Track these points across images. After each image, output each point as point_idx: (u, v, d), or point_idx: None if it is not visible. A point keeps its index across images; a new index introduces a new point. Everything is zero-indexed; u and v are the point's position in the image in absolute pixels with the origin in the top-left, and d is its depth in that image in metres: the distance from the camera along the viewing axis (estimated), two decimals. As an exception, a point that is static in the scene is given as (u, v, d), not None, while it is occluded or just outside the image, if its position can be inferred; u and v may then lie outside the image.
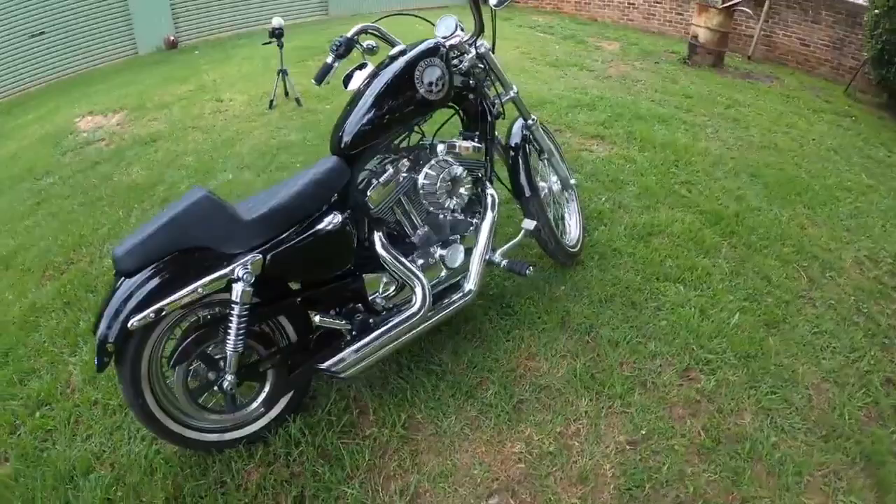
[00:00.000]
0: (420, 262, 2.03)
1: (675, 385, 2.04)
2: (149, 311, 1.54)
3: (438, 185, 1.96)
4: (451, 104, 2.11)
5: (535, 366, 2.15)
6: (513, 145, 2.41)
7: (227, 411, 1.86)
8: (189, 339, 1.71)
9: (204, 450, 1.86)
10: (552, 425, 1.93)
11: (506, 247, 2.22)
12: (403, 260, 1.91)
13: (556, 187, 2.62)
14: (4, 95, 7.56)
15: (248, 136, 4.54)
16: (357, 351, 1.85)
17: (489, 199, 2.14)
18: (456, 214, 2.10)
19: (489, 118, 2.19)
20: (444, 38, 2.06)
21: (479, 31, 2.07)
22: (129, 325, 1.53)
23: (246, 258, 1.66)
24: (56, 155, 4.72)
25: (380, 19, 2.17)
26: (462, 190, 2.04)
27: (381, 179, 1.91)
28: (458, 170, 2.01)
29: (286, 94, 5.09)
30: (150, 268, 1.60)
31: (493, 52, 2.20)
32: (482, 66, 2.15)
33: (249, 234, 1.70)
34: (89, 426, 2.07)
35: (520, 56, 6.49)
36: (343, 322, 1.91)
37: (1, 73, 7.55)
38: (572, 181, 2.71)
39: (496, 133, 2.40)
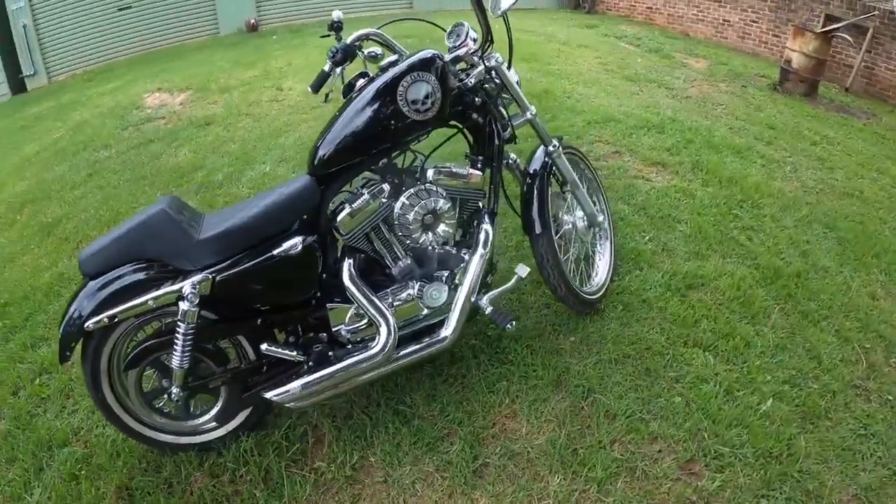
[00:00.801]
0: (400, 296, 1.85)
1: (671, 478, 1.72)
2: (103, 316, 1.60)
3: (412, 217, 1.77)
4: (454, 123, 1.91)
5: (513, 426, 1.91)
6: (530, 172, 2.16)
7: (179, 418, 1.86)
8: (142, 346, 1.71)
9: (158, 448, 1.88)
10: (511, 500, 1.68)
11: (496, 291, 1.94)
12: (370, 295, 1.74)
13: (581, 224, 2.33)
14: (90, 65, 8.08)
15: (296, 128, 4.52)
16: (306, 386, 1.71)
17: (482, 235, 1.88)
18: (448, 248, 1.90)
19: (497, 141, 1.94)
20: (452, 47, 1.87)
21: (488, 40, 1.86)
22: (85, 326, 1.60)
23: (195, 277, 1.61)
24: (118, 128, 4.92)
25: (383, 25, 2.01)
26: (442, 226, 1.83)
27: (354, 205, 1.75)
28: (441, 202, 1.79)
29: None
30: (111, 273, 1.65)
31: (510, 66, 1.97)
32: (495, 81, 1.93)
33: (201, 253, 1.65)
34: (77, 401, 2.19)
35: (596, 66, 6.11)
36: (294, 353, 1.78)
37: (89, 44, 8.07)
38: (600, 218, 2.42)
39: (511, 158, 2.17)
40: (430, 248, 1.87)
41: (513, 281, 1.92)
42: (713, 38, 8.29)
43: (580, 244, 2.39)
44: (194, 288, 1.60)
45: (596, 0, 10.11)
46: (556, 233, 2.18)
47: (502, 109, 2.00)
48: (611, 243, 2.52)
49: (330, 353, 1.80)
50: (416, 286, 1.84)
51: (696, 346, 2.22)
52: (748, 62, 7.04)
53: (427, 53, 1.77)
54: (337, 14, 4.95)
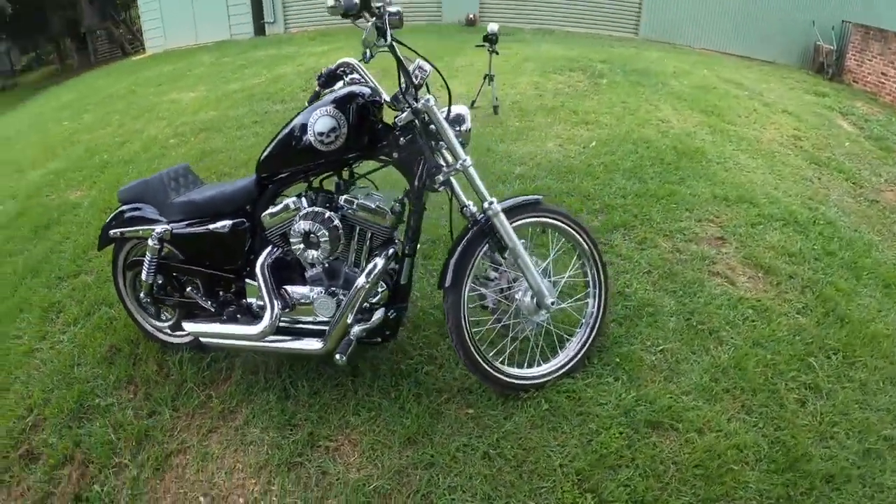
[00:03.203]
0: (301, 296, 2.07)
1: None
2: (117, 231, 2.34)
3: (295, 231, 1.96)
4: (384, 157, 1.97)
5: (347, 451, 1.95)
6: (466, 226, 2.04)
7: (152, 316, 2.48)
8: (134, 259, 2.41)
9: (140, 329, 2.57)
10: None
11: (366, 326, 1.99)
12: (270, 283, 2.01)
13: (526, 299, 2.10)
14: (321, 26, 9.29)
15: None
16: (205, 332, 2.19)
17: (369, 267, 1.94)
18: (355, 270, 2.03)
19: (416, 184, 1.94)
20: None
21: (409, 84, 1.85)
22: (110, 233, 2.35)
23: (160, 227, 2.16)
24: (301, 88, 5.71)
25: (362, 60, 2.03)
26: (324, 248, 1.94)
27: (274, 209, 2.03)
28: (323, 228, 1.91)
29: (496, 102, 5.14)
30: (130, 206, 2.35)
31: (449, 108, 1.94)
32: (427, 125, 1.89)
33: (172, 211, 2.20)
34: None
35: (785, 139, 5.28)
36: (209, 304, 2.24)
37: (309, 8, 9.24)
38: (549, 301, 2.07)
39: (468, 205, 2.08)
40: (340, 264, 2.04)
41: (374, 318, 1.99)
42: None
43: (528, 322, 2.16)
44: (158, 233, 2.20)
45: (843, 68, 8.58)
46: (484, 298, 2.09)
47: (440, 154, 1.94)
48: (587, 336, 2.25)
49: (238, 317, 2.13)
50: (316, 293, 2.00)
51: None
52: None
53: (344, 91, 1.90)
54: (493, 27, 5.04)
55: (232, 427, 2.17)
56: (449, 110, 1.95)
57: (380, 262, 1.95)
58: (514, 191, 3.52)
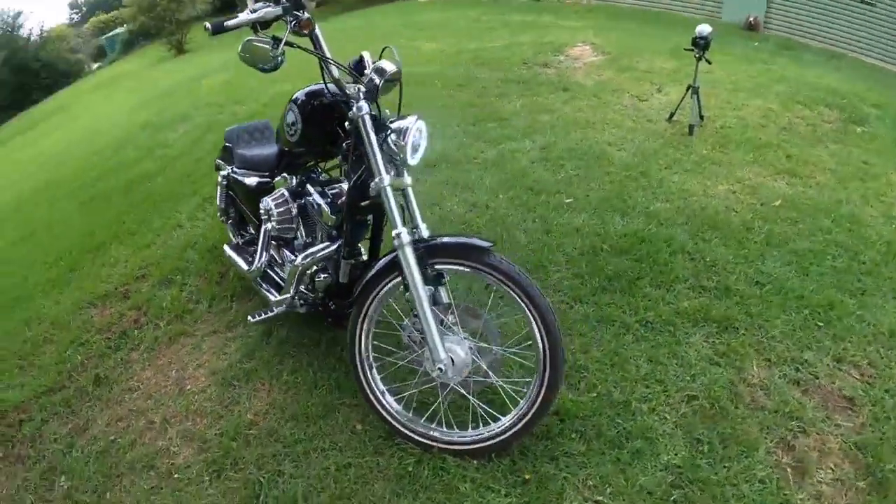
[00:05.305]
0: (282, 257, 2.35)
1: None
2: (218, 160, 2.87)
3: (261, 207, 2.18)
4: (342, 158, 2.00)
5: (270, 426, 2.16)
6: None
7: (231, 234, 2.97)
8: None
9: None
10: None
11: (307, 304, 2.22)
12: (265, 239, 2.33)
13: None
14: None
15: (601, 129, 4.41)
16: (230, 253, 2.71)
17: (307, 250, 2.08)
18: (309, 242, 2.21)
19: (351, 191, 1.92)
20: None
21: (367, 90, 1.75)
22: (216, 165, 2.88)
23: (227, 170, 2.73)
24: (522, 60, 5.95)
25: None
26: (270, 226, 2.18)
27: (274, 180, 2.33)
28: (276, 209, 2.10)
29: (700, 116, 4.43)
30: (227, 144, 2.78)
31: (396, 117, 1.80)
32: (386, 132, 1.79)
33: (237, 158, 2.62)
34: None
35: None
36: (245, 236, 2.84)
37: None
38: (436, 366, 1.73)
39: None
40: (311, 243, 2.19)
41: (312, 300, 2.19)
42: None
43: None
44: (223, 174, 2.74)
45: None
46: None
47: (380, 158, 1.74)
48: (512, 424, 1.80)
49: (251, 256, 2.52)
50: (287, 259, 2.25)
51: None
52: None
53: (310, 87, 1.90)
54: (703, 28, 4.27)
55: (223, 336, 2.62)
56: (385, 121, 1.80)
57: (315, 249, 2.05)
58: (618, 230, 3.05)
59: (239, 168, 2.57)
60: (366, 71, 1.75)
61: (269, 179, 2.39)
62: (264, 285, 2.38)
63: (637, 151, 4.06)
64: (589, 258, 2.82)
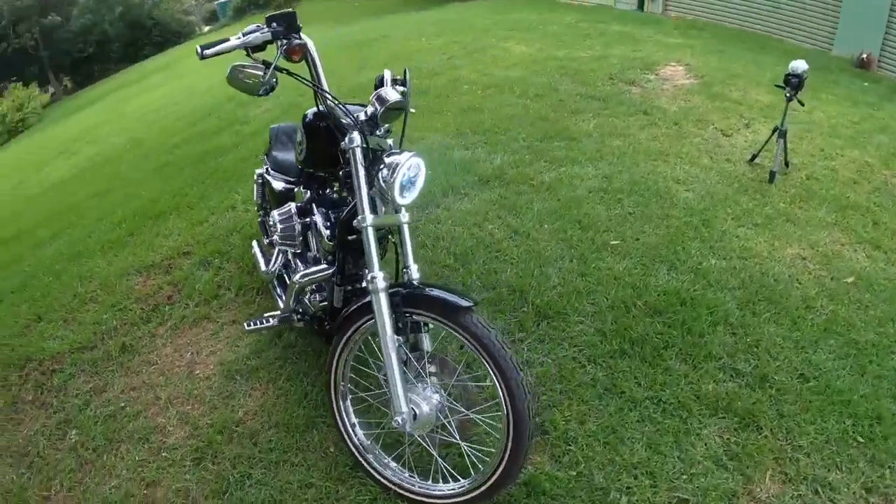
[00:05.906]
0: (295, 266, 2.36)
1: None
2: (262, 157, 2.96)
3: (270, 218, 2.21)
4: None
5: (252, 427, 2.19)
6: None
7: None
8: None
9: None
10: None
11: (303, 320, 2.25)
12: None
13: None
14: (680, 14, 8.26)
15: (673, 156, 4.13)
16: (255, 249, 2.81)
17: (305, 270, 2.10)
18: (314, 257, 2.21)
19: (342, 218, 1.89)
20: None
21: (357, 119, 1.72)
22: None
23: (262, 168, 2.80)
24: (607, 76, 5.60)
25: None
26: (273, 238, 2.22)
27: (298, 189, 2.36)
28: (282, 224, 2.10)
29: (786, 162, 4.03)
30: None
31: (397, 149, 1.73)
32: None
33: (271, 159, 2.72)
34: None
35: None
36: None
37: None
38: (396, 417, 1.63)
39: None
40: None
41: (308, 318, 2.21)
42: None
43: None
44: (259, 172, 2.81)
45: None
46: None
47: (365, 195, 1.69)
48: (494, 466, 1.70)
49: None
50: (300, 266, 2.24)
51: None
52: None
53: (314, 110, 1.91)
54: (797, 65, 3.89)
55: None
56: (382, 153, 1.72)
57: (312, 270, 2.06)
58: (659, 285, 2.83)
59: (272, 169, 2.62)
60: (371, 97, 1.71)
61: (293, 187, 2.42)
62: (278, 290, 2.43)
63: (706, 194, 3.77)
64: (618, 314, 2.64)
